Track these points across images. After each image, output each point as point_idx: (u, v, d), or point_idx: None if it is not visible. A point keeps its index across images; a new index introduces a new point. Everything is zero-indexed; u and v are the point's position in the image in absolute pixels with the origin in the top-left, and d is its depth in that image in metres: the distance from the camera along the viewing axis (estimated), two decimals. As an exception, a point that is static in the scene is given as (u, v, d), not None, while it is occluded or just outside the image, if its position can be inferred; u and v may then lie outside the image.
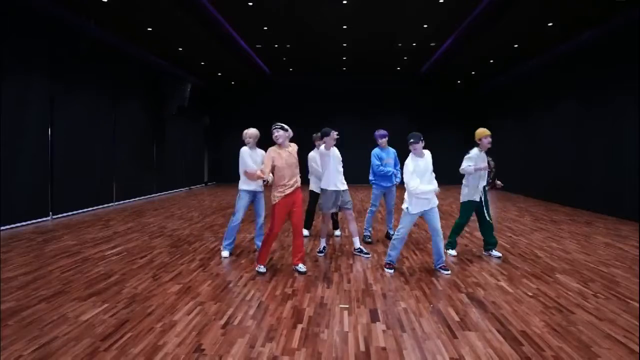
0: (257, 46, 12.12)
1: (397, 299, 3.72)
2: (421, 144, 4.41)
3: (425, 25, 10.05)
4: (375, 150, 5.99)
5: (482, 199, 5.20)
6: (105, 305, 3.49)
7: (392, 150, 6.09)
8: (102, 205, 9.61)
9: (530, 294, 3.87)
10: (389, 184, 5.99)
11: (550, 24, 8.88)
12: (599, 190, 9.29)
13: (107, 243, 5.85)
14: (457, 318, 3.29)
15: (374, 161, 5.93)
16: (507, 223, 7.86)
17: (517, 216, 8.78)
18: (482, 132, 5.18)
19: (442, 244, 4.51)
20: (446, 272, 4.48)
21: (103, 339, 2.87)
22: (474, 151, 5.15)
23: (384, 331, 3.04)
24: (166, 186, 13.06)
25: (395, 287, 4.04)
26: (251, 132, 5.10)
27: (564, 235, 6.74)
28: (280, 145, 4.41)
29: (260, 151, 5.15)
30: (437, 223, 4.45)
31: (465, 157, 5.16)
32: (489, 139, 5.13)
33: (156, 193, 12.37)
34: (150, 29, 9.39)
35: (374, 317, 3.30)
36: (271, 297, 3.75)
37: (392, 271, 4.54)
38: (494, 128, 15.16)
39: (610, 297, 3.82)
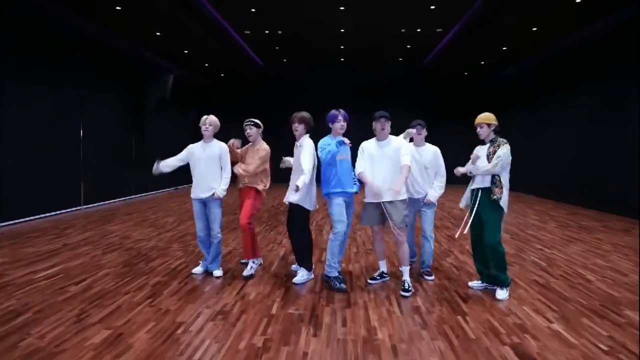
0: (246, 32, 10.96)
1: (413, 355, 2.59)
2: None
3: (432, 7, 8.93)
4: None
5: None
6: (-17, 371, 2.36)
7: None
8: (67, 209, 8.44)
9: (605, 347, 2.72)
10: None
11: (578, 0, 7.72)
12: (627, 192, 8.13)
13: (45, 261, 4.70)
14: (507, 396, 2.16)
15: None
16: (531, 231, 6.73)
17: (539, 221, 7.64)
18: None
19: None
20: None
21: None
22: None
23: None
24: (147, 186, 11.88)
25: (409, 334, 2.89)
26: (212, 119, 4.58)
27: (606, 247, 5.59)
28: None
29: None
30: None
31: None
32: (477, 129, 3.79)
33: (135, 194, 11.20)
34: (118, 8, 8.20)
35: (381, 394, 2.17)
36: (232, 352, 2.61)
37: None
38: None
39: None
